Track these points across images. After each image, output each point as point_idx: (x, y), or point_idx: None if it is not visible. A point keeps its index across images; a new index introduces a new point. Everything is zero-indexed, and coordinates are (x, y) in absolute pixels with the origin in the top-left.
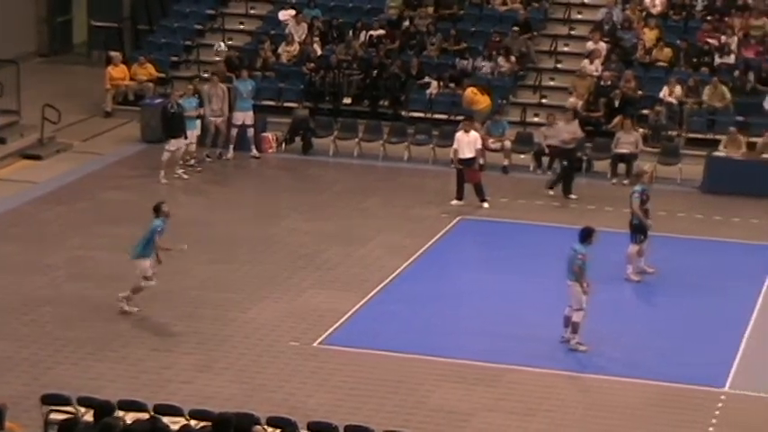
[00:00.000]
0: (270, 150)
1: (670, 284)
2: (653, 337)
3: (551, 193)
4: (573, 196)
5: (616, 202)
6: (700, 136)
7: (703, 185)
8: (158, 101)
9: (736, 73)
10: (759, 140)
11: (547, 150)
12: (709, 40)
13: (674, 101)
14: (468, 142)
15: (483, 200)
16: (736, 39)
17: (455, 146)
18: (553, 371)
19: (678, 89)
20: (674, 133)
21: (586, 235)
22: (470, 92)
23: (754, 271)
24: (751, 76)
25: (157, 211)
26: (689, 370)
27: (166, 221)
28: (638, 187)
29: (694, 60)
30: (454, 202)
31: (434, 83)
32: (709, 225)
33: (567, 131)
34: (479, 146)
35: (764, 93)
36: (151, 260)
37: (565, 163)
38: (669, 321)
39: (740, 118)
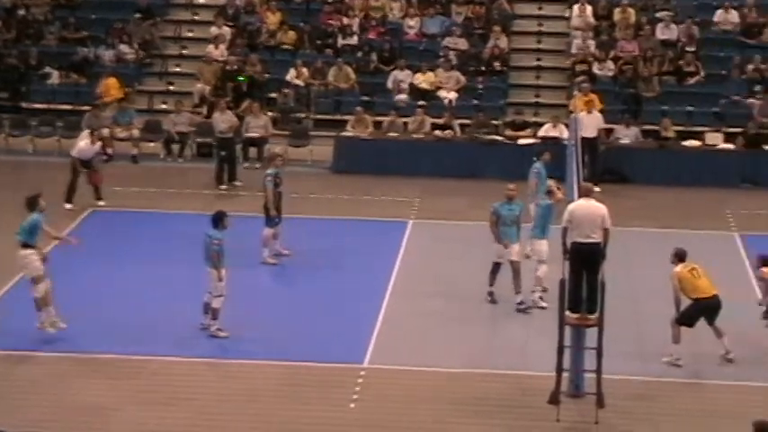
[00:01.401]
0: None
1: (306, 266)
2: (292, 318)
3: (224, 187)
4: (239, 183)
5: (249, 186)
6: (328, 117)
7: (333, 166)
8: None
9: (360, 54)
10: (385, 119)
11: (177, 138)
12: (332, 22)
13: (300, 83)
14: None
15: (99, 198)
16: (357, 20)
17: (75, 153)
18: (194, 358)
19: (304, 71)
20: (303, 115)
21: (218, 219)
22: (113, 81)
23: (386, 247)
24: (374, 57)
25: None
26: (329, 348)
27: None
28: (270, 170)
29: (318, 42)
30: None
31: (56, 73)
32: (341, 205)
33: (223, 121)
34: (98, 150)
35: (387, 72)
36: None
37: (223, 153)
38: (307, 302)
39: (365, 98)
